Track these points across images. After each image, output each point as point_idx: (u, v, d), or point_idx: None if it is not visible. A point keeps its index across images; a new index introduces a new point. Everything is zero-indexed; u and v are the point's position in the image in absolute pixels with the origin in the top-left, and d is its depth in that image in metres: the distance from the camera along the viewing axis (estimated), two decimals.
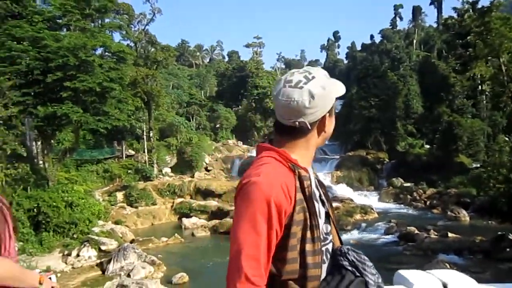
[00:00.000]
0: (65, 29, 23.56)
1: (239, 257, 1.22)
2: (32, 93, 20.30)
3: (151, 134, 35.96)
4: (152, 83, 33.48)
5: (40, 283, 1.44)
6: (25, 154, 21.03)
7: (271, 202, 1.23)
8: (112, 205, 28.90)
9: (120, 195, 30.61)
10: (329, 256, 1.41)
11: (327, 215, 1.43)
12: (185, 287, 15.89)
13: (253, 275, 1.20)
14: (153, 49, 37.02)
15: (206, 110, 53.47)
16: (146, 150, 35.36)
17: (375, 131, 38.90)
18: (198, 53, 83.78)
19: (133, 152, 37.79)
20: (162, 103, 37.24)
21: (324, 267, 1.36)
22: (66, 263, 18.00)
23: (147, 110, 35.18)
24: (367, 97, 38.45)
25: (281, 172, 1.29)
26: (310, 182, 1.35)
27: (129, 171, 33.49)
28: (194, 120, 50.06)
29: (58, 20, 22.16)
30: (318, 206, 1.37)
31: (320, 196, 1.42)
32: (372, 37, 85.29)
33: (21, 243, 18.18)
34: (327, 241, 1.41)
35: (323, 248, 1.36)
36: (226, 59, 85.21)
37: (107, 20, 27.00)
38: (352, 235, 22.97)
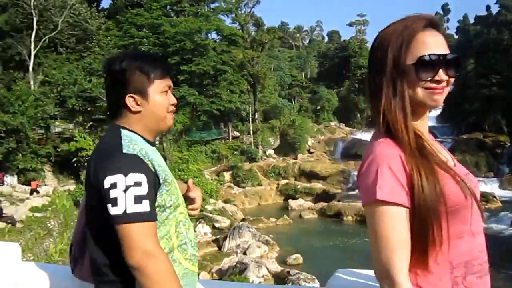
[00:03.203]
0: (177, 16, 24.55)
1: None
2: None
3: (256, 116, 36.51)
4: (258, 66, 33.82)
5: None
6: None
7: None
8: (221, 184, 30.03)
9: (227, 175, 31.69)
10: None
11: None
12: (300, 268, 15.89)
13: None
14: (257, 32, 37.27)
15: (307, 92, 53.01)
16: (251, 132, 36.05)
17: (496, 111, 35.37)
18: (298, 35, 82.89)
19: (238, 134, 38.77)
20: (267, 85, 37.55)
21: None
22: None
23: (252, 92, 35.70)
24: (486, 74, 34.99)
25: None
26: None
27: (235, 152, 34.47)
28: (295, 102, 49.86)
29: (173, 7, 23.06)
30: None
31: None
32: (488, 7, 76.94)
33: None
34: None
35: None
36: (326, 39, 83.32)
37: (214, 5, 27.66)
38: None
